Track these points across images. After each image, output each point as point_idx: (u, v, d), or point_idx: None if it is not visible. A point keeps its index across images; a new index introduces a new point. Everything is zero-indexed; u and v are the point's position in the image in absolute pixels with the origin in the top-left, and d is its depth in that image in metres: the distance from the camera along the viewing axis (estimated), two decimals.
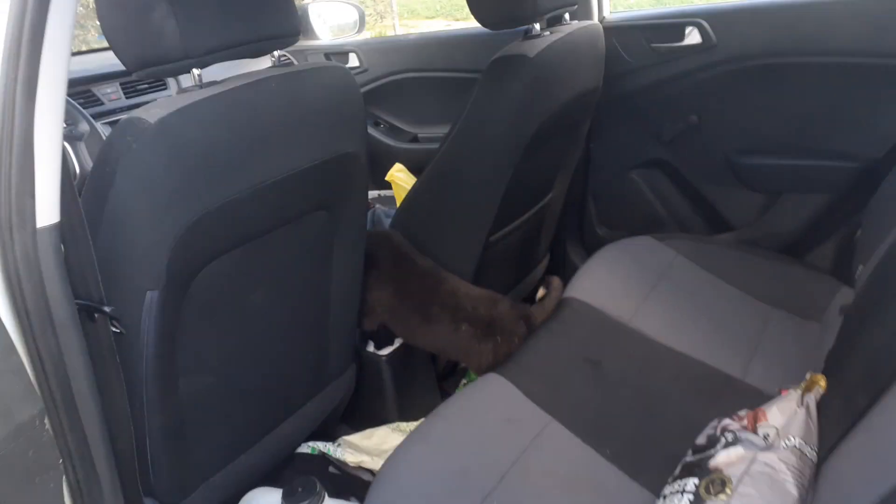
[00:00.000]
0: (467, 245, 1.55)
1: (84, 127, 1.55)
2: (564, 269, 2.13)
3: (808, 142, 1.69)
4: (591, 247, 2.04)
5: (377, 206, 2.12)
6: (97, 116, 1.66)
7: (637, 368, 1.30)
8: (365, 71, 2.38)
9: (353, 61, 2.38)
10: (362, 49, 2.37)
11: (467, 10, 1.44)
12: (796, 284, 1.56)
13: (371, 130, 2.41)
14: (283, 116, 0.96)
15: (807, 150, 1.70)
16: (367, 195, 1.25)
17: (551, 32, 1.50)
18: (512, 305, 1.45)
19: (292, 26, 1.03)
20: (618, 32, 1.82)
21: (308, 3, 2.44)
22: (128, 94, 1.87)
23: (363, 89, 2.36)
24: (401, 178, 2.19)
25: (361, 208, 1.24)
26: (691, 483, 0.91)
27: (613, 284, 1.52)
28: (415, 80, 2.31)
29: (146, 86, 1.86)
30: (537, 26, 1.50)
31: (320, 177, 1.06)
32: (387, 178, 2.20)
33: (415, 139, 2.41)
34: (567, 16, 1.66)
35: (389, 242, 1.53)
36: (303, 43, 2.45)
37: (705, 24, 1.71)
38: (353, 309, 1.37)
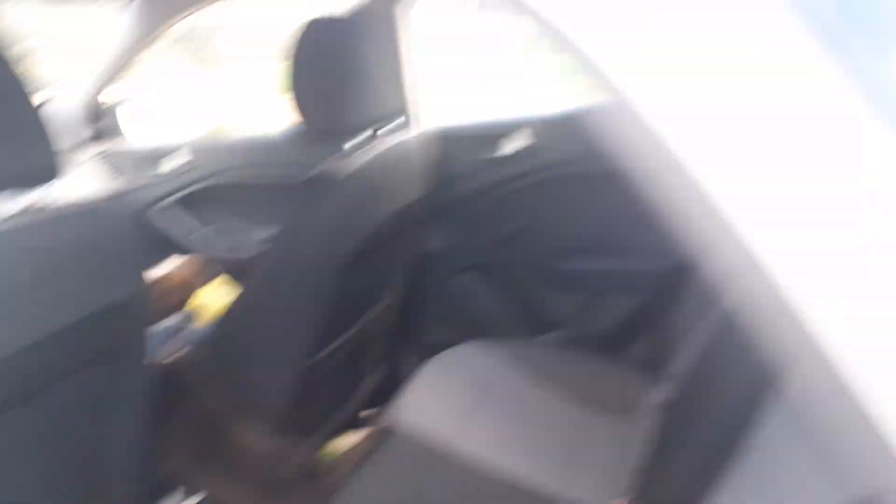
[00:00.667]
0: (282, 373, 1.45)
1: None
2: (396, 381, 2.07)
3: (618, 244, 1.78)
4: (424, 354, 2.01)
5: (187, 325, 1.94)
6: None
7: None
8: (192, 169, 2.26)
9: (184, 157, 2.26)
10: (193, 146, 2.26)
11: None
12: (615, 385, 1.60)
13: (195, 235, 2.27)
14: (17, 277, 0.84)
15: (619, 252, 1.79)
16: (146, 342, 1.12)
17: (373, 145, 1.48)
18: (298, 463, 1.36)
19: (46, 163, 0.91)
20: (447, 142, 1.86)
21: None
22: None
23: (189, 189, 2.25)
24: (214, 295, 2.00)
25: (139, 359, 1.11)
26: None
27: (439, 401, 1.48)
28: (236, 182, 2.23)
29: None
30: (359, 139, 1.47)
31: (74, 338, 0.93)
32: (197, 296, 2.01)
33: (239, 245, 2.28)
34: (393, 125, 1.66)
35: (173, 372, 1.39)
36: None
37: (530, 131, 1.79)
38: (133, 469, 1.21)
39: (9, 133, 0.85)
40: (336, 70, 1.33)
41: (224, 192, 2.27)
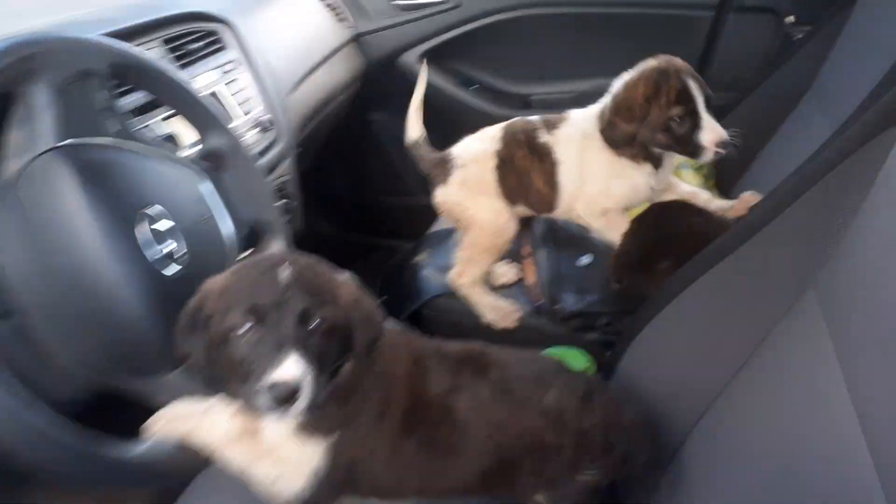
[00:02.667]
0: None
1: (217, 140, 0.89)
2: None
3: None
4: None
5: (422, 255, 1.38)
6: (139, 110, 0.93)
7: None
8: (456, 7, 1.71)
9: None
10: None
11: None
12: None
13: (461, 94, 1.79)
14: None
15: None
16: None
17: None
18: None
19: None
20: None
21: None
22: (181, 61, 1.10)
23: (451, 33, 1.75)
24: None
25: None
26: None
27: None
28: (532, 18, 1.70)
29: (200, 43, 1.13)
30: None
31: None
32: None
33: (527, 104, 1.79)
34: None
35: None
36: None
37: None
38: None
39: None
40: None
41: (502, 33, 1.69)
